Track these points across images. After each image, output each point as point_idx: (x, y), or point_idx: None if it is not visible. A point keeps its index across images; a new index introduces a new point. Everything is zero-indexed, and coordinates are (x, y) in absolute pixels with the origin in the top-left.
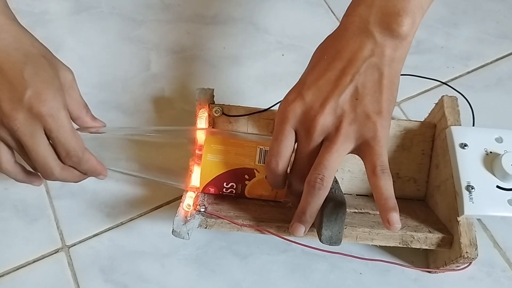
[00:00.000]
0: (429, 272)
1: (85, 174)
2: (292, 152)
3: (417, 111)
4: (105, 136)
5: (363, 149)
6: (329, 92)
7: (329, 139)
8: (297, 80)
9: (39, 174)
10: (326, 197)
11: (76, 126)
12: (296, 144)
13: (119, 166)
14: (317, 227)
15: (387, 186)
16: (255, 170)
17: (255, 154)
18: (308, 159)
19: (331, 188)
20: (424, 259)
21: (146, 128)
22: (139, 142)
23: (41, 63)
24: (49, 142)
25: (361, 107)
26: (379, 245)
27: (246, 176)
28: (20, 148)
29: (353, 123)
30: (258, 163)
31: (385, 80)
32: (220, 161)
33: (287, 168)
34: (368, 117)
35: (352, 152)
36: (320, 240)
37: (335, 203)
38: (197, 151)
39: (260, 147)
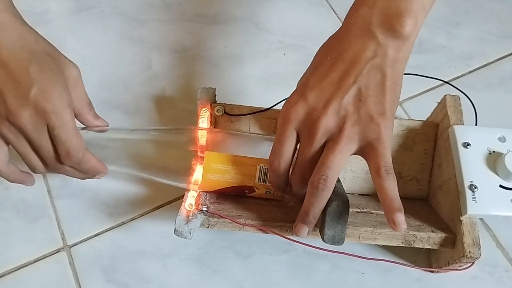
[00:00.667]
0: (432, 272)
1: (86, 173)
2: (295, 153)
3: (419, 110)
4: (107, 135)
5: (367, 150)
6: (332, 93)
7: (332, 140)
8: (299, 79)
9: (31, 173)
10: (329, 196)
11: (80, 125)
12: (299, 145)
13: (121, 166)
14: (320, 226)
15: (391, 187)
16: (255, 188)
17: (255, 173)
18: (310, 160)
19: (333, 188)
20: (426, 259)
21: (148, 128)
22: (141, 141)
23: (46, 61)
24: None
25: (364, 109)
26: (381, 245)
27: (246, 191)
28: (24, 145)
29: (357, 124)
30: (258, 181)
31: (388, 81)
32: (220, 180)
33: (289, 169)
34: (372, 118)
35: (355, 153)
36: (322, 239)
37: (338, 203)
38: (199, 152)
39: (261, 165)
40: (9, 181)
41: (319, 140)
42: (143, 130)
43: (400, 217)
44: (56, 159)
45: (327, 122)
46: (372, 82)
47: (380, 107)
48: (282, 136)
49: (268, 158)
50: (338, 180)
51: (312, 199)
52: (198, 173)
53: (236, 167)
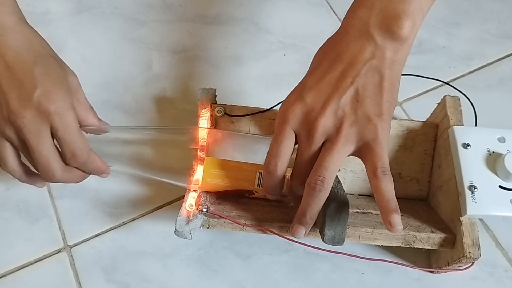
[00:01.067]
0: (432, 272)
1: (89, 173)
2: (292, 154)
3: (419, 111)
4: (108, 135)
5: (364, 151)
6: (329, 94)
7: (330, 141)
8: (299, 79)
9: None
10: (329, 197)
11: None
12: (297, 146)
13: (122, 165)
14: (320, 227)
15: (388, 188)
16: (254, 191)
17: (254, 179)
18: (309, 161)
19: (333, 188)
20: (426, 259)
21: (149, 127)
22: (141, 141)
23: (51, 64)
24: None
25: (362, 109)
26: (381, 245)
27: (246, 194)
28: (23, 148)
29: (354, 125)
30: (257, 186)
31: (386, 82)
32: (220, 184)
33: (285, 171)
34: (369, 119)
35: (353, 154)
36: (323, 240)
37: (338, 203)
38: (199, 152)
39: (260, 171)
40: (21, 181)
41: (317, 140)
42: (144, 128)
43: (396, 218)
44: (48, 165)
45: (325, 123)
46: (369, 83)
47: (377, 108)
48: (279, 137)
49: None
50: (338, 181)
51: (309, 200)
52: (199, 174)
53: (235, 173)
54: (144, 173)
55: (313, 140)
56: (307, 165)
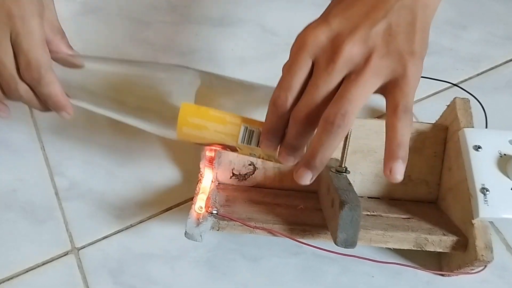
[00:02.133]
0: (442, 275)
1: (45, 101)
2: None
3: (428, 113)
4: (81, 67)
5: (389, 87)
6: (359, 22)
7: (355, 72)
8: None
9: (4, 103)
10: (341, 199)
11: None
12: (312, 77)
13: (94, 104)
14: (332, 229)
15: (403, 130)
16: (237, 148)
17: (238, 133)
18: (323, 93)
19: (346, 190)
20: (436, 262)
21: (131, 61)
22: (120, 76)
23: None
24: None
25: (394, 44)
26: (392, 248)
27: (228, 149)
28: None
29: (385, 57)
30: (241, 143)
31: (419, 23)
32: (198, 136)
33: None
34: (401, 55)
35: (377, 91)
36: (335, 242)
37: (350, 206)
38: (207, 153)
39: (245, 125)
40: None
41: (338, 68)
42: (130, 62)
43: (399, 167)
44: (11, 75)
45: (352, 49)
46: (402, 21)
47: (410, 46)
48: (294, 66)
49: (256, 115)
50: (349, 183)
51: (323, 137)
52: (207, 180)
53: (216, 125)
54: (120, 114)
55: (335, 67)
56: (320, 98)
